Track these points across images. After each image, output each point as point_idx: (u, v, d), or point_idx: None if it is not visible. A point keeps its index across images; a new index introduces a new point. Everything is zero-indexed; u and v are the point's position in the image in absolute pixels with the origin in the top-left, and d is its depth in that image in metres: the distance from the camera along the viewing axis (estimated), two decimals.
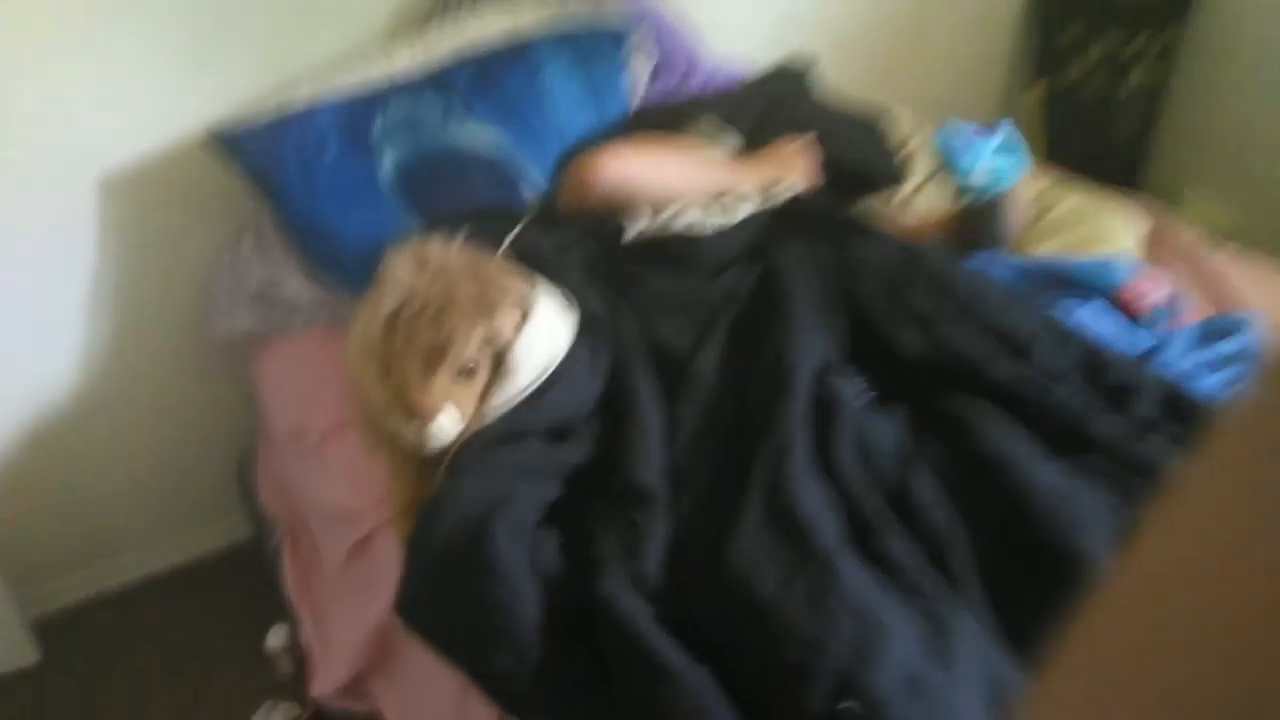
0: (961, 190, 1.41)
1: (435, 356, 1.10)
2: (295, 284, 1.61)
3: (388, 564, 1.24)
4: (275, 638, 1.68)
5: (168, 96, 1.64)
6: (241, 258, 1.67)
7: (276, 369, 1.63)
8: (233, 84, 1.66)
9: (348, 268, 1.53)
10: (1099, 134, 2.51)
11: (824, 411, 1.11)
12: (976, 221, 1.48)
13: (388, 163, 1.57)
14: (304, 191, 1.55)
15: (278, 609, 1.67)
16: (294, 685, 1.64)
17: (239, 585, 1.88)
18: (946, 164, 1.38)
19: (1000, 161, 1.37)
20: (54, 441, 1.77)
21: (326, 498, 1.44)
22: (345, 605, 1.41)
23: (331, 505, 1.43)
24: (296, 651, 1.65)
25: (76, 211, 1.66)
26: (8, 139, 1.56)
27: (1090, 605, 0.26)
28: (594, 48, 1.71)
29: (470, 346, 1.12)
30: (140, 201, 1.68)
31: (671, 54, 1.87)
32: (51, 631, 1.84)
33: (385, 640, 1.27)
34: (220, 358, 1.82)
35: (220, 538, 1.98)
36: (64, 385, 1.75)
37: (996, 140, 1.36)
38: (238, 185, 1.63)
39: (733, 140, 1.59)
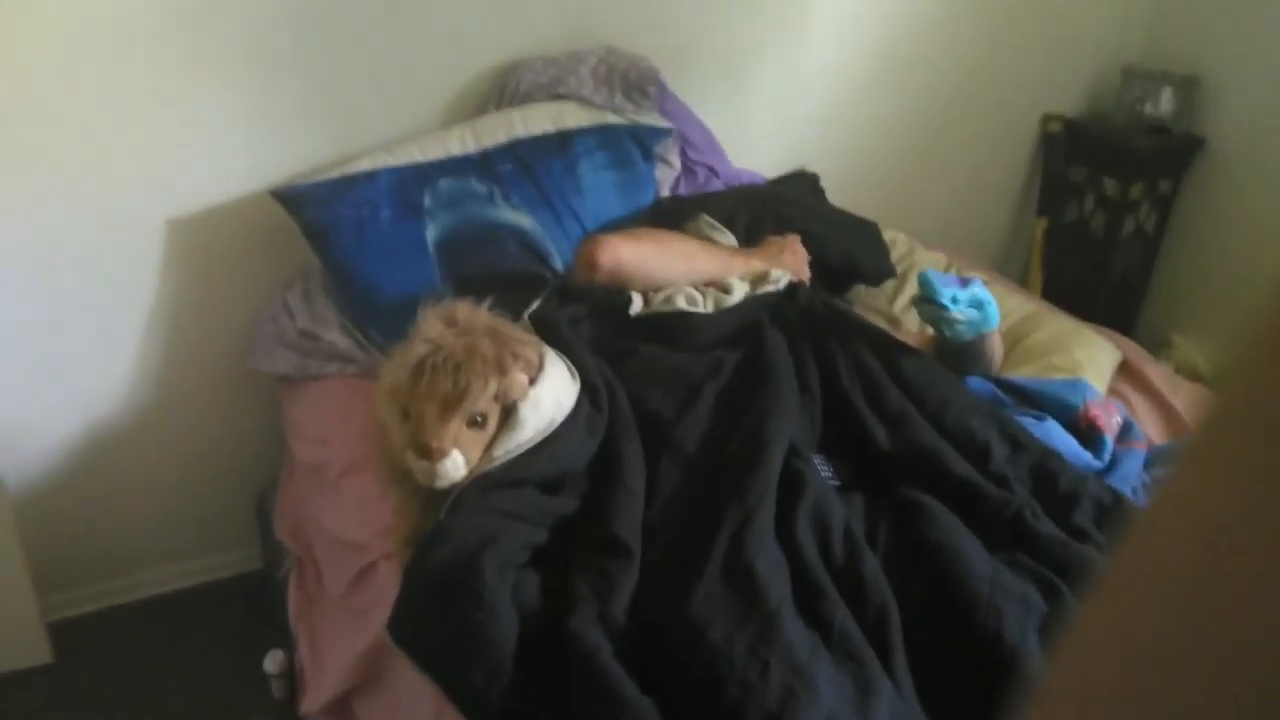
0: (936, 327, 1.56)
1: (451, 404, 1.24)
2: (333, 335, 1.77)
3: (384, 593, 1.37)
4: (271, 662, 1.79)
5: (239, 155, 1.83)
6: (287, 306, 1.84)
7: (306, 408, 1.77)
8: (300, 151, 1.85)
9: (384, 322, 1.69)
10: (1096, 273, 2.66)
11: (790, 487, 1.24)
12: (959, 357, 1.61)
13: (432, 231, 1.75)
14: (355, 247, 1.72)
15: (278, 635, 1.78)
16: (286, 707, 1.75)
17: (246, 610, 2.00)
18: (926, 299, 1.52)
19: (972, 315, 1.52)
20: (94, 456, 1.92)
21: (337, 529, 1.56)
22: (340, 630, 1.53)
23: (341, 536, 1.55)
24: (291, 675, 1.75)
25: (143, 245, 1.83)
26: (92, 172, 1.74)
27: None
28: (626, 151, 1.89)
29: (483, 399, 1.26)
30: (201, 244, 1.86)
31: (697, 161, 2.05)
32: (66, 635, 1.96)
33: (373, 662, 1.38)
34: (253, 394, 1.97)
35: (234, 565, 2.10)
36: (111, 404, 1.91)
37: (970, 292, 1.51)
38: (290, 239, 1.80)
39: (728, 239, 1.75)
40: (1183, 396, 1.73)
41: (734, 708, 0.96)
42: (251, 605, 1.99)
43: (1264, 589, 0.21)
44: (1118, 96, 2.63)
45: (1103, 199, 2.62)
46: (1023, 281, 2.69)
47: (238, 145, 1.82)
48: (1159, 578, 0.24)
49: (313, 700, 1.51)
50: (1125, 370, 1.81)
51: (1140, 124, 2.56)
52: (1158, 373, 1.82)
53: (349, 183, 1.77)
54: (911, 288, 1.92)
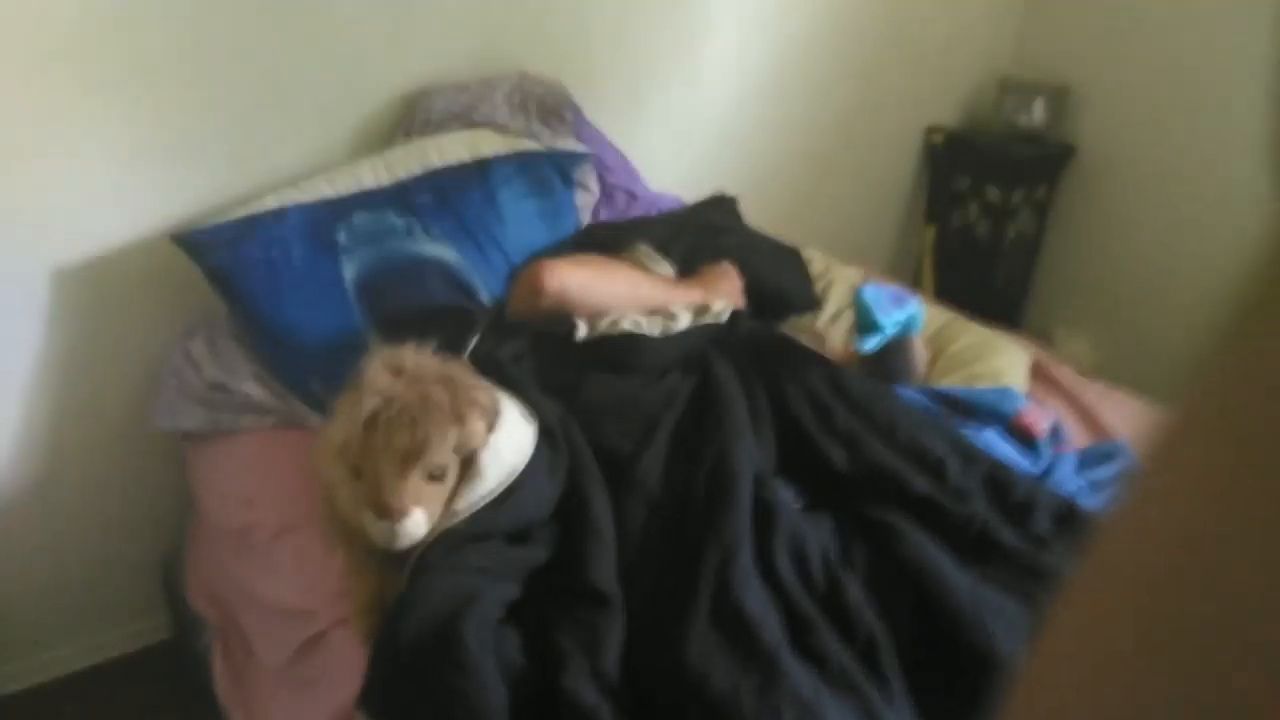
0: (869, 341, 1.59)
1: (409, 459, 1.17)
2: (246, 386, 1.65)
3: (339, 662, 1.28)
4: None
5: (128, 197, 1.69)
6: (190, 357, 1.71)
7: (221, 467, 1.64)
8: (196, 191, 1.73)
9: (304, 369, 1.59)
10: (983, 276, 2.78)
11: (763, 519, 1.23)
12: (884, 366, 1.64)
13: (350, 269, 1.65)
14: (267, 291, 1.61)
15: (200, 709, 1.65)
16: None
17: (159, 685, 1.84)
18: (862, 317, 1.55)
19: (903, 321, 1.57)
20: None
21: (272, 597, 1.45)
22: (284, 704, 1.42)
23: (277, 604, 1.44)
24: None
25: (25, 296, 1.67)
26: None
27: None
28: (546, 177, 1.85)
29: (442, 451, 1.19)
30: (91, 292, 1.71)
31: (615, 185, 2.03)
32: None
33: None
34: (152, 454, 1.82)
35: (140, 637, 1.93)
36: None
37: (907, 312, 1.56)
38: (187, 285, 1.68)
39: (666, 269, 1.74)
40: (1093, 395, 1.82)
41: None
42: (165, 679, 1.84)
43: (1239, 591, 0.20)
44: (995, 108, 2.75)
45: (986, 206, 2.73)
46: (915, 286, 2.79)
47: (126, 186, 1.68)
48: (1133, 580, 0.23)
49: None
50: (1034, 373, 1.89)
51: (1017, 133, 2.69)
52: (1064, 373, 1.90)
53: (255, 222, 1.66)
54: (835, 303, 1.96)
